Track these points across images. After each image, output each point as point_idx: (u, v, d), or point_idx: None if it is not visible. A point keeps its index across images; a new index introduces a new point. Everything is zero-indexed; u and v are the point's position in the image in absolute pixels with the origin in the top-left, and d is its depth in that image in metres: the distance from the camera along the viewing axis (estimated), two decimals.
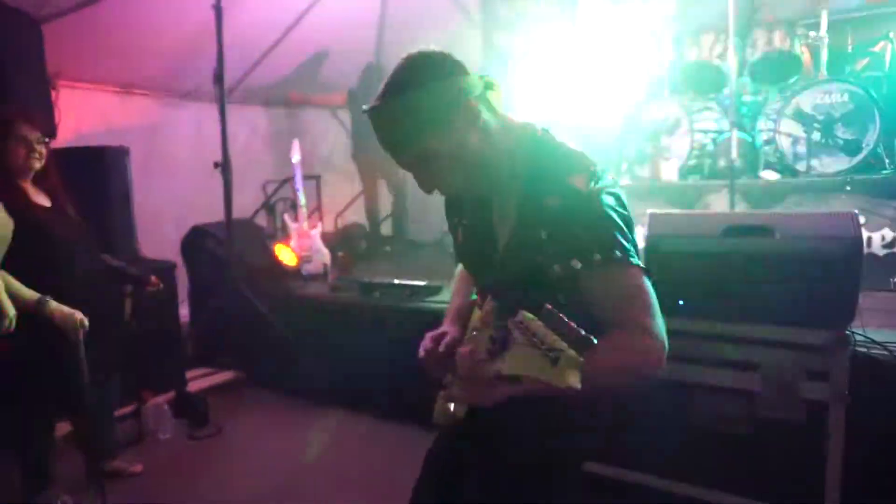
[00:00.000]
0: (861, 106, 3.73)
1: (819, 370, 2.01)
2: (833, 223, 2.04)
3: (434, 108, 1.24)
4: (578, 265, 1.19)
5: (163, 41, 4.61)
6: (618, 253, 1.18)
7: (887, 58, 4.11)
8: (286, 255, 4.08)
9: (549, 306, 0.99)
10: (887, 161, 3.77)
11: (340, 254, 4.41)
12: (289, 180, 5.41)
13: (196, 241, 4.10)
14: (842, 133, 3.78)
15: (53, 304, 2.27)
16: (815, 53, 4.15)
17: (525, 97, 5.32)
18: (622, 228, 1.22)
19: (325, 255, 4.32)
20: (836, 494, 1.96)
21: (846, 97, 3.77)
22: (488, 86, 1.33)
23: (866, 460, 1.99)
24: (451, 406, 1.38)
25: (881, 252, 3.39)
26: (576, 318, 1.04)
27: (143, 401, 3.31)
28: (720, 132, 4.37)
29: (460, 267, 1.68)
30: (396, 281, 3.57)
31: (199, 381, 3.68)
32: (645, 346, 1.17)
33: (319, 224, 4.57)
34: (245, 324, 3.73)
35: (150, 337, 3.33)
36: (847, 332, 2.01)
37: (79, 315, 2.29)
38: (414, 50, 1.31)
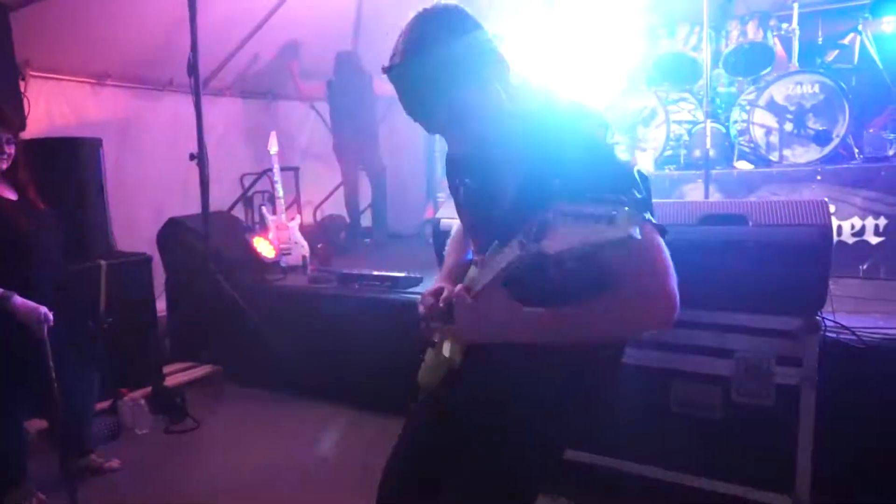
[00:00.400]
0: (831, 97, 3.81)
1: (791, 355, 2.06)
2: (804, 211, 2.08)
3: (466, 61, 1.21)
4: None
5: (137, 31, 4.53)
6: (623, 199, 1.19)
7: (856, 50, 4.20)
8: (264, 247, 4.05)
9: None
10: (856, 151, 3.86)
11: (319, 245, 4.39)
12: (266, 172, 5.38)
13: (172, 234, 4.05)
14: (813, 123, 3.86)
15: (18, 300, 2.24)
16: (787, 45, 4.22)
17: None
18: (637, 182, 1.22)
19: (304, 246, 4.30)
20: (806, 476, 2.01)
21: (817, 88, 3.85)
22: (499, 41, 1.32)
23: (836, 442, 2.04)
24: (447, 349, 1.38)
25: (850, 240, 3.47)
26: (586, 269, 1.09)
27: (120, 396, 3.27)
28: (695, 123, 4.43)
29: (456, 228, 1.68)
30: (376, 272, 3.57)
31: (176, 375, 3.64)
32: (649, 304, 1.19)
33: (298, 216, 4.54)
34: (223, 317, 3.70)
35: (126, 331, 3.30)
36: (818, 317, 2.06)
37: (42, 310, 2.26)
38: (427, 5, 1.28)
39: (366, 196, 6.12)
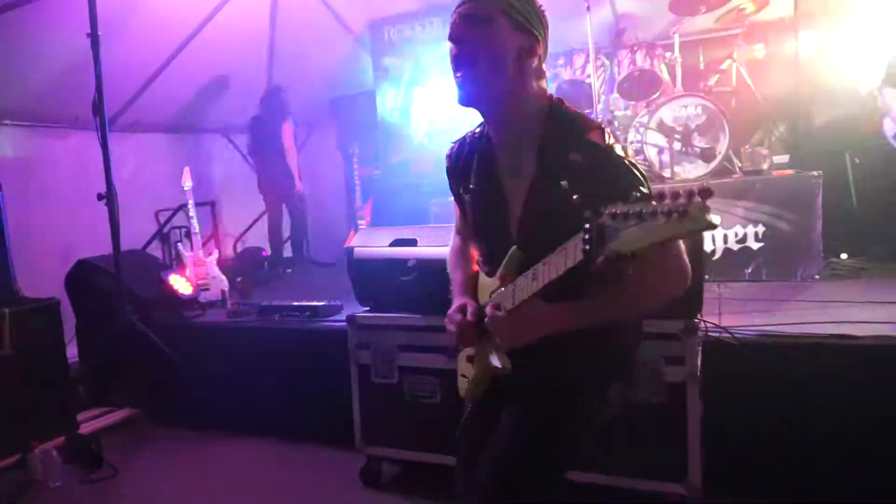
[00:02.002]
0: (713, 118, 4.18)
1: (676, 355, 2.26)
2: None
3: (527, 13, 1.39)
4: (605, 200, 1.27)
5: (39, 69, 4.42)
6: (637, 195, 1.29)
7: (733, 75, 4.63)
8: (181, 284, 4.00)
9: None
10: (736, 166, 4.23)
11: (239, 279, 4.37)
12: (182, 208, 5.30)
13: (82, 276, 3.94)
14: (698, 142, 4.22)
15: None
16: (672, 72, 4.59)
17: (416, 118, 5.54)
18: (640, 176, 1.33)
19: (222, 281, 4.27)
20: (697, 464, 2.20)
21: (700, 110, 4.22)
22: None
23: (721, 431, 2.26)
24: (494, 359, 1.44)
25: (735, 247, 3.81)
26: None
27: (30, 449, 3.14)
28: None
29: (452, 241, 1.77)
30: (296, 303, 3.60)
31: (91, 422, 3.52)
32: (674, 278, 1.36)
33: (216, 251, 4.51)
34: (140, 358, 3.61)
35: (34, 380, 3.18)
36: (696, 320, 2.28)
37: None
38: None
39: (287, 227, 6.14)
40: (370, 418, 2.78)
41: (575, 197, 1.29)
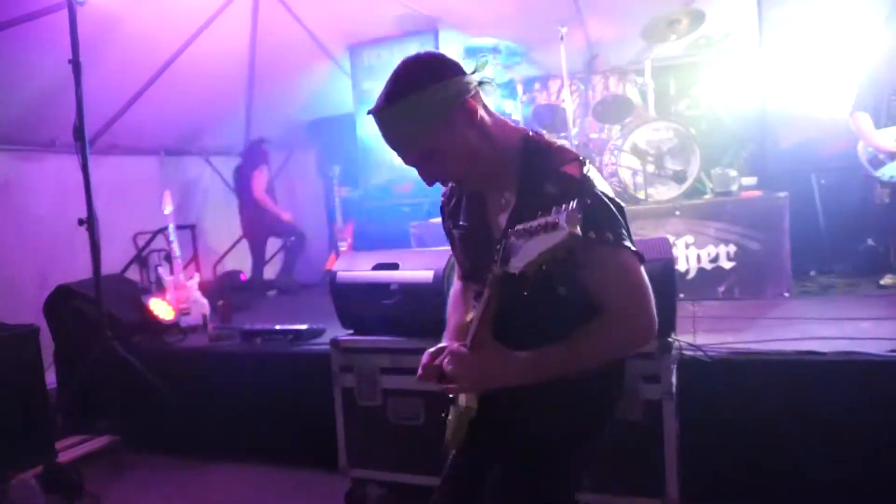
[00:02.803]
0: (684, 141, 4.32)
1: (652, 374, 2.34)
2: (651, 246, 2.40)
3: (434, 109, 1.33)
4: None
5: (16, 93, 4.41)
6: (609, 235, 1.28)
7: (702, 100, 4.80)
8: (161, 308, 3.99)
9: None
10: (708, 187, 4.37)
11: (220, 303, 4.37)
12: (161, 231, 5.29)
13: (61, 302, 3.91)
14: (671, 164, 4.35)
15: None
16: (643, 96, 4.74)
17: None
18: (614, 213, 1.32)
19: (203, 305, 4.26)
20: (674, 478, 2.27)
21: (671, 133, 4.35)
22: (481, 83, 1.41)
23: (697, 446, 2.33)
24: (462, 399, 1.40)
25: (709, 266, 3.92)
26: (574, 300, 1.26)
27: (7, 479, 3.09)
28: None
29: (454, 287, 1.75)
30: (278, 326, 3.61)
31: (71, 450, 3.47)
32: (633, 327, 1.33)
33: (197, 274, 4.50)
34: (120, 384, 3.59)
35: (13, 408, 3.14)
36: (670, 339, 2.36)
37: None
38: (411, 53, 1.39)
39: (270, 249, 6.17)
40: (354, 441, 2.80)
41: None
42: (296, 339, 3.49)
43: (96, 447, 3.59)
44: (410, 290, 2.63)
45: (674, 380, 2.33)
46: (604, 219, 1.29)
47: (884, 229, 4.04)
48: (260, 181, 5.71)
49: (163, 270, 4.32)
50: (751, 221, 3.86)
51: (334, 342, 2.83)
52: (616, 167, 4.48)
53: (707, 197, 4.24)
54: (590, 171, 1.36)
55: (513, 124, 1.51)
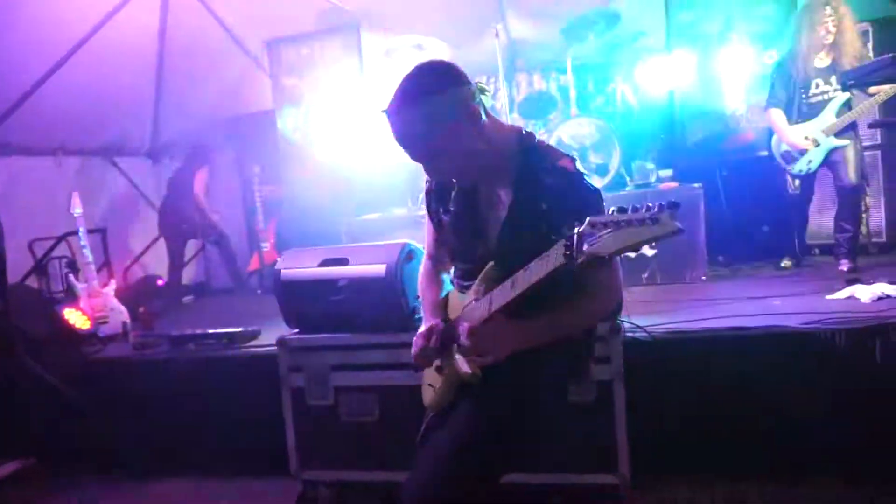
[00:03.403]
0: (605, 136, 4.53)
1: (603, 355, 2.43)
2: None
3: (448, 113, 1.48)
4: (568, 231, 1.41)
5: None
6: None
7: (618, 97, 5.04)
8: (77, 318, 3.71)
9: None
10: (628, 179, 4.60)
11: (141, 309, 4.11)
12: (66, 237, 4.92)
13: None
14: (593, 158, 4.55)
15: None
16: (565, 94, 4.92)
17: (320, 138, 5.51)
18: (600, 202, 1.55)
19: (122, 312, 4.00)
20: (625, 454, 2.38)
21: (593, 129, 4.55)
22: (481, 90, 1.56)
23: (646, 422, 2.45)
24: (463, 365, 1.55)
25: (632, 255, 4.11)
26: (566, 278, 1.39)
27: None
28: None
29: (423, 266, 1.91)
30: (210, 330, 3.45)
31: None
32: (613, 299, 1.65)
33: (112, 281, 4.22)
34: (34, 402, 3.31)
35: None
36: (618, 321, 2.48)
37: None
38: (424, 60, 1.54)
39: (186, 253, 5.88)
40: (305, 442, 2.73)
41: (543, 205, 1.52)
42: (231, 342, 3.35)
43: (9, 472, 3.30)
44: (361, 285, 2.60)
45: (622, 360, 2.44)
46: (595, 209, 1.43)
47: (793, 217, 4.28)
48: (202, 181, 5.57)
49: (74, 278, 4.01)
50: None
51: (282, 341, 2.74)
52: None
53: (628, 189, 4.47)
54: (580, 166, 1.61)
55: (508, 124, 1.70)
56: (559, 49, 5.04)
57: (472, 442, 1.51)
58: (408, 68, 1.55)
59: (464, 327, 1.53)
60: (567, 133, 4.55)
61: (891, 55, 3.20)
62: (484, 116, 1.55)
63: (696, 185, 4.15)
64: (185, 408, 3.20)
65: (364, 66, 5.27)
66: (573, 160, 1.60)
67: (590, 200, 1.53)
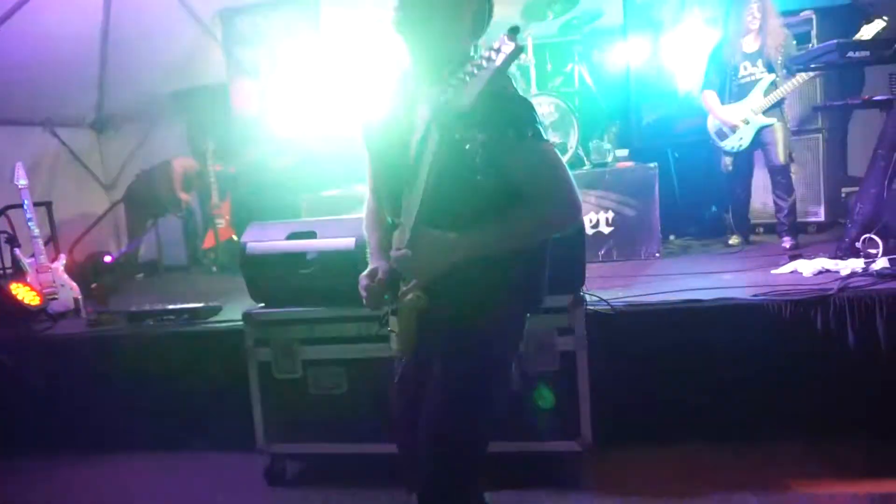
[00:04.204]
0: (563, 115, 4.59)
1: (566, 327, 2.52)
2: None
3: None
4: (494, 137, 1.38)
5: None
6: (529, 131, 1.40)
7: (576, 77, 5.12)
8: (26, 293, 3.56)
9: None
10: (585, 159, 4.70)
11: (94, 285, 3.98)
12: (9, 209, 4.69)
13: None
14: (552, 137, 4.60)
15: None
16: (525, 72, 4.96)
17: (277, 112, 5.39)
18: (532, 113, 1.44)
19: (72, 289, 3.87)
20: (587, 421, 2.48)
21: (552, 108, 4.61)
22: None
23: (607, 390, 2.56)
24: (409, 296, 1.46)
25: (590, 231, 4.24)
26: (490, 189, 1.39)
27: None
28: None
29: (365, 207, 1.78)
30: (171, 306, 3.38)
31: None
32: (560, 206, 1.46)
33: (63, 256, 4.06)
34: None
35: None
36: (581, 293, 2.56)
37: None
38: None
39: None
40: (272, 416, 2.73)
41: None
42: (192, 317, 3.29)
43: None
44: (330, 259, 2.60)
45: (584, 331, 2.53)
46: (523, 117, 1.42)
47: (727, 195, 4.57)
48: (181, 167, 5.50)
49: (20, 252, 3.85)
50: (626, 190, 4.23)
51: (247, 315, 2.72)
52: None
53: (586, 168, 4.56)
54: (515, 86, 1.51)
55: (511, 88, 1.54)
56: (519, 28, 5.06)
57: (453, 412, 1.50)
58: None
59: (394, 253, 1.48)
60: None
61: (835, 41, 3.38)
62: (476, 35, 1.50)
63: (651, 165, 4.28)
64: (145, 385, 3.14)
65: (324, 39, 5.17)
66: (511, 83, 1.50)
67: (511, 113, 1.41)
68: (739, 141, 4.13)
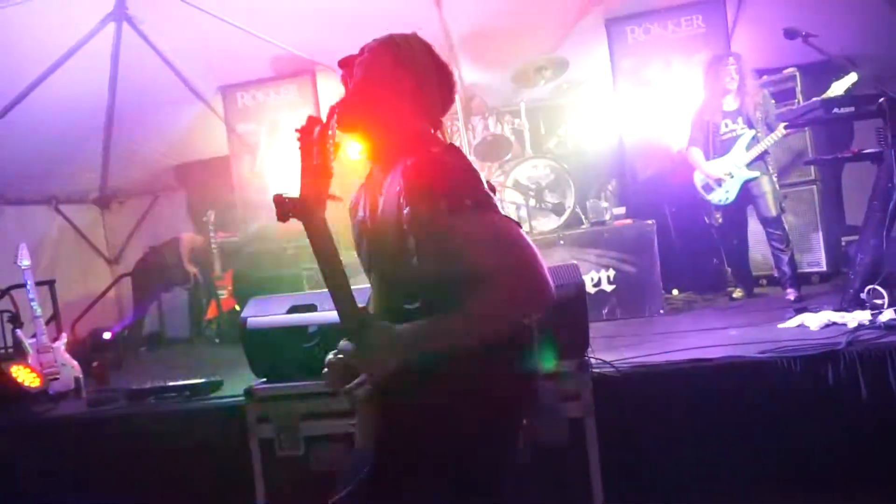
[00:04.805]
0: (559, 176, 4.68)
1: (572, 392, 2.48)
2: (562, 273, 2.58)
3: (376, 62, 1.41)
4: (426, 211, 1.23)
5: None
6: (468, 201, 1.22)
7: (569, 138, 5.23)
8: (25, 375, 3.53)
9: None
10: (583, 218, 4.74)
11: (94, 364, 3.94)
12: (13, 289, 4.71)
13: None
14: (550, 198, 4.68)
15: None
16: (518, 136, 5.08)
17: (277, 183, 5.48)
18: (472, 182, 1.26)
19: (73, 368, 3.83)
20: (599, 489, 2.41)
21: (548, 170, 4.70)
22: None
23: (620, 455, 2.49)
24: (359, 392, 1.28)
25: (592, 290, 4.23)
26: (429, 273, 1.25)
27: None
28: None
29: None
30: (171, 382, 3.34)
31: None
32: (518, 284, 1.21)
33: (64, 335, 4.04)
34: None
35: None
36: (586, 358, 2.54)
37: None
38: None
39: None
40: (275, 495, 2.66)
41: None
42: (193, 394, 3.25)
43: None
44: (332, 332, 2.57)
45: (591, 397, 2.49)
46: (459, 187, 1.24)
47: (719, 248, 4.58)
48: (189, 242, 5.60)
49: (21, 332, 3.83)
50: (625, 247, 4.25)
51: (249, 392, 2.69)
52: (501, 202, 4.72)
53: (584, 227, 4.60)
54: (452, 152, 1.34)
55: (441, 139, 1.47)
56: (510, 94, 5.21)
57: None
58: None
59: (341, 343, 1.34)
60: (523, 174, 4.68)
61: (819, 98, 3.47)
62: (430, 113, 1.43)
63: (649, 221, 4.31)
64: (147, 465, 3.07)
65: (321, 111, 5.32)
66: (449, 147, 1.36)
67: (444, 184, 1.24)
68: (726, 194, 4.19)
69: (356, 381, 1.28)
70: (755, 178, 4.06)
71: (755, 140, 4.06)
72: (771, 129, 4.00)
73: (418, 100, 1.42)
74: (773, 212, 4.06)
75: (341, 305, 1.31)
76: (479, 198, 1.24)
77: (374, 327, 1.28)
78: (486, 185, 1.30)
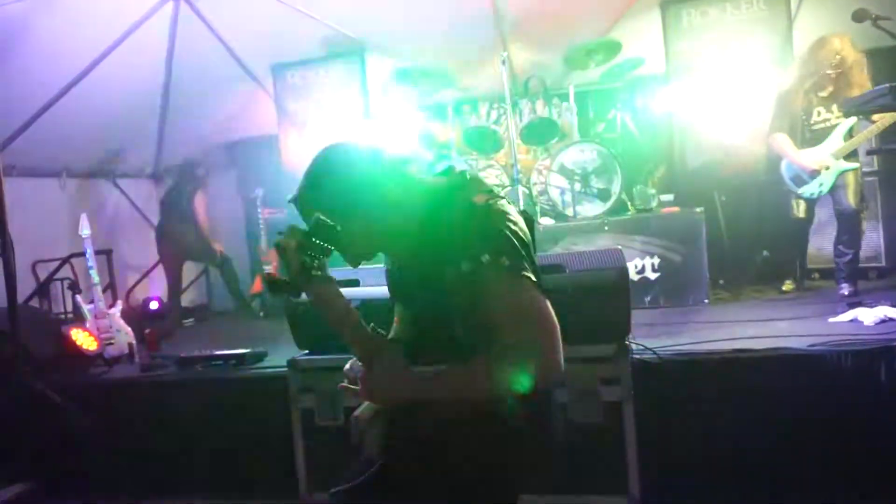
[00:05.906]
0: (606, 161, 4.60)
1: (611, 376, 2.46)
2: (605, 258, 2.55)
3: (342, 196, 1.38)
4: (467, 267, 1.27)
5: None
6: (506, 260, 1.25)
7: (618, 123, 5.13)
8: (84, 339, 3.71)
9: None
10: (629, 204, 4.66)
11: (147, 331, 4.11)
12: (71, 258, 4.94)
13: None
14: (595, 183, 4.61)
15: None
16: (566, 119, 5.01)
17: None
18: (512, 240, 1.28)
19: (128, 334, 4.00)
20: (636, 476, 2.40)
21: (595, 154, 4.62)
22: (404, 162, 1.48)
23: (657, 443, 2.47)
24: (367, 414, 1.45)
25: (636, 277, 4.17)
26: (468, 344, 1.27)
27: None
28: (503, 186, 5.02)
29: None
30: (218, 352, 3.46)
31: None
32: (527, 359, 1.21)
33: (119, 302, 4.22)
34: (37, 424, 3.29)
35: None
36: (626, 342, 2.51)
37: None
38: (327, 143, 1.46)
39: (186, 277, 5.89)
40: (315, 464, 2.74)
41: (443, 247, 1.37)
42: (239, 363, 3.35)
43: (9, 497, 3.26)
44: (373, 306, 2.61)
45: (630, 382, 2.46)
46: (498, 243, 1.28)
47: (795, 241, 4.34)
48: (202, 206, 5.52)
49: (81, 299, 4.02)
50: (672, 235, 4.16)
51: (292, 362, 2.76)
52: (546, 186, 4.68)
53: (631, 213, 4.52)
54: (496, 200, 1.37)
55: (435, 178, 1.52)
56: (560, 76, 5.14)
57: None
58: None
59: (351, 362, 1.50)
60: (569, 159, 4.62)
61: (888, 84, 3.29)
62: (394, 187, 1.42)
63: (698, 209, 4.21)
64: (193, 429, 3.20)
65: (368, 92, 5.36)
66: (491, 193, 1.38)
67: (485, 239, 1.28)
68: (820, 187, 3.91)
69: (361, 407, 1.45)
70: (851, 170, 3.81)
71: (851, 131, 3.81)
72: (846, 117, 3.74)
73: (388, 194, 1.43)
74: (854, 204, 3.79)
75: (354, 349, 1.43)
76: (513, 257, 1.27)
77: (386, 358, 1.35)
78: (523, 238, 1.34)
